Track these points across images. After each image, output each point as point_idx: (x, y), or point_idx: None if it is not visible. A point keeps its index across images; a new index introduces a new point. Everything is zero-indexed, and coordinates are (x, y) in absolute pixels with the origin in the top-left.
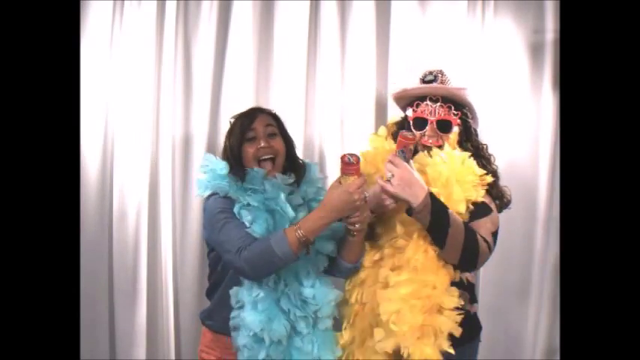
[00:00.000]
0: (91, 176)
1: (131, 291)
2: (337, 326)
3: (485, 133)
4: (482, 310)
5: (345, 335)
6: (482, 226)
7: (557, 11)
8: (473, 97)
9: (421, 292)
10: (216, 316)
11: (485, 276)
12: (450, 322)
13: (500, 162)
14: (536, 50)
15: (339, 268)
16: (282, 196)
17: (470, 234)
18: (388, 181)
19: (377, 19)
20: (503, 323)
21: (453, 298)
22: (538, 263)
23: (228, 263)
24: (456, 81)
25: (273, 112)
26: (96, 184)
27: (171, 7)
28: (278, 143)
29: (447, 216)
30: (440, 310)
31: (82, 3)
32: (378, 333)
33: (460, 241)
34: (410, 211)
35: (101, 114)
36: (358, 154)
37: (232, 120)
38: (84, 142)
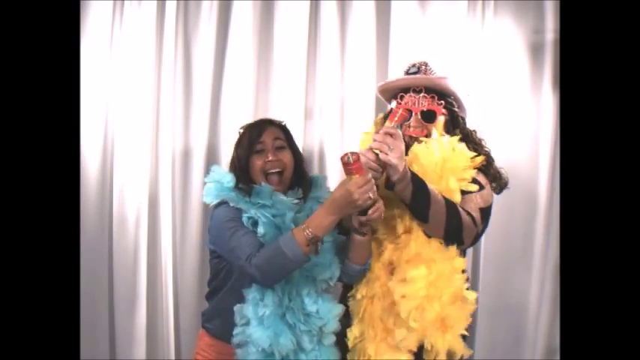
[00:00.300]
0: (91, 177)
1: (131, 291)
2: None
3: (485, 133)
4: (483, 309)
5: (355, 330)
6: (471, 201)
7: (557, 11)
8: (457, 86)
9: (437, 283)
10: (215, 321)
11: (486, 276)
12: (466, 314)
13: (500, 162)
14: (536, 50)
15: (348, 271)
16: (289, 216)
17: (451, 208)
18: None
19: (377, 19)
20: (504, 323)
21: (471, 292)
22: (538, 263)
23: (239, 269)
24: (440, 72)
25: (283, 123)
26: (96, 185)
27: (171, 7)
28: (286, 157)
29: (427, 186)
30: (458, 300)
31: (82, 3)
32: (399, 334)
33: (442, 213)
34: (390, 184)
35: (101, 114)
36: (357, 152)
37: (241, 130)
38: (84, 143)
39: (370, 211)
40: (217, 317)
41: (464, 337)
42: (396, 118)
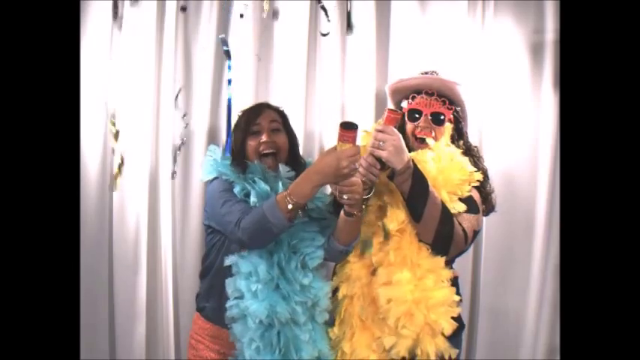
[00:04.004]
0: (91, 176)
1: (131, 291)
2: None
3: (484, 133)
4: (483, 310)
5: (336, 330)
6: (468, 220)
7: (557, 11)
8: (465, 96)
9: (424, 286)
10: (209, 302)
11: (486, 276)
12: (450, 317)
13: (500, 162)
14: (536, 50)
15: (330, 250)
16: (281, 187)
17: (447, 213)
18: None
19: (377, 19)
20: (503, 323)
21: (454, 294)
22: (538, 264)
23: (229, 236)
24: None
25: (281, 108)
26: (96, 184)
27: (171, 7)
28: (281, 139)
29: (427, 185)
30: (445, 305)
31: (82, 3)
32: (388, 341)
33: (436, 218)
34: (392, 176)
35: (101, 114)
36: (357, 123)
37: (240, 113)
38: (84, 143)
39: (345, 182)
40: (211, 297)
41: (451, 337)
42: (381, 120)
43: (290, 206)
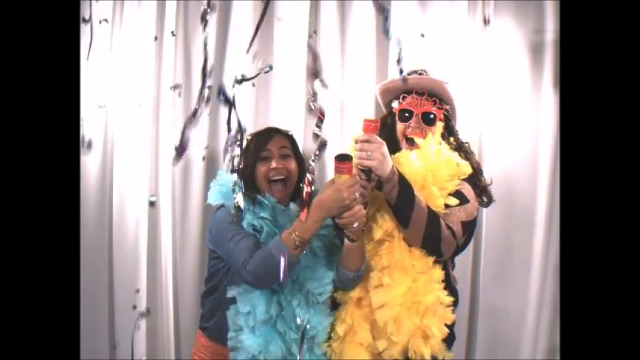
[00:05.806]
0: (91, 177)
1: (131, 291)
2: None
3: (484, 133)
4: (483, 310)
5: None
6: (454, 214)
7: (557, 11)
8: (455, 94)
9: (415, 290)
10: (212, 321)
11: (486, 276)
12: (445, 322)
13: (500, 162)
14: (536, 50)
15: (341, 278)
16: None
17: (432, 217)
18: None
19: (377, 19)
20: (503, 323)
21: (447, 297)
22: (538, 264)
23: (234, 271)
24: (440, 77)
25: (290, 133)
26: (96, 185)
27: (171, 7)
28: (291, 165)
29: (412, 189)
30: (434, 309)
31: (82, 3)
32: (381, 344)
33: (423, 222)
34: (380, 185)
35: (101, 114)
36: (351, 155)
37: (249, 137)
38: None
39: (346, 214)
40: (213, 317)
41: (446, 339)
42: (362, 130)
43: (296, 242)
